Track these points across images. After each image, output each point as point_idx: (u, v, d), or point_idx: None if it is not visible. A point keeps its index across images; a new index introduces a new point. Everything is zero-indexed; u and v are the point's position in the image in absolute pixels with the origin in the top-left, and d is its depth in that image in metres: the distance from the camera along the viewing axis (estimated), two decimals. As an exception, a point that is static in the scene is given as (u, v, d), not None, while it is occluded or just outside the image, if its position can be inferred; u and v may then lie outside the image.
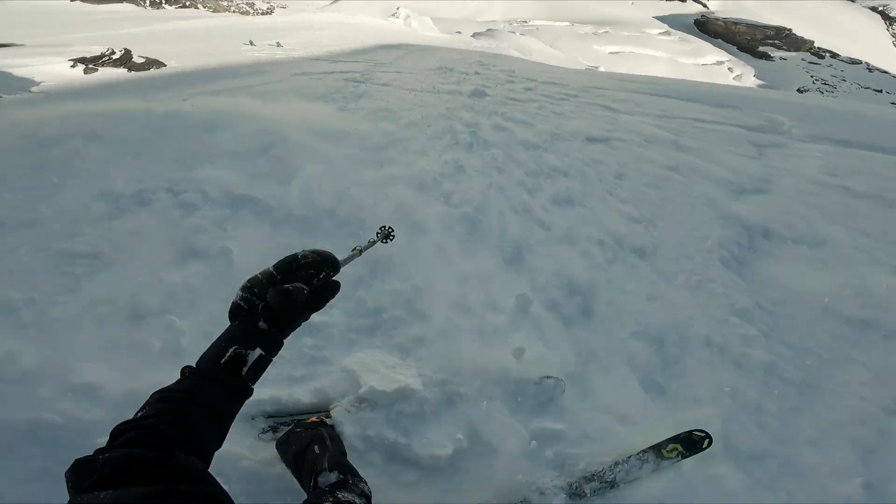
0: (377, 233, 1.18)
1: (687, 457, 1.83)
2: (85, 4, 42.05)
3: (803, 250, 3.18)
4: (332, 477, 1.37)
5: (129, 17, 32.21)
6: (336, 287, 0.86)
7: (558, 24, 51.24)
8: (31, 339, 1.91)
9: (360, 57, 13.53)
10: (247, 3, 57.22)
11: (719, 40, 54.10)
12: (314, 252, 0.83)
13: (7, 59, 11.18)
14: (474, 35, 37.80)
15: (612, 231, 3.25)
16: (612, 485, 1.76)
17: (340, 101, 5.74)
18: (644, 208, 3.62)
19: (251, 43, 19.22)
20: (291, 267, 0.81)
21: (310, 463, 1.47)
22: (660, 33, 53.09)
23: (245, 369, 0.77)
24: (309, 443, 1.57)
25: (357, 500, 1.27)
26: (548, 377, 2.07)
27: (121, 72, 13.12)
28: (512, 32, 41.82)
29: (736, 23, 54.06)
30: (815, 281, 2.84)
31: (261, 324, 0.79)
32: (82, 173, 3.04)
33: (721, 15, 57.30)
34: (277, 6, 56.65)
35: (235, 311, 0.81)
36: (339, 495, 1.26)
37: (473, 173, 3.84)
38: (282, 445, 1.69)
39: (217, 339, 0.80)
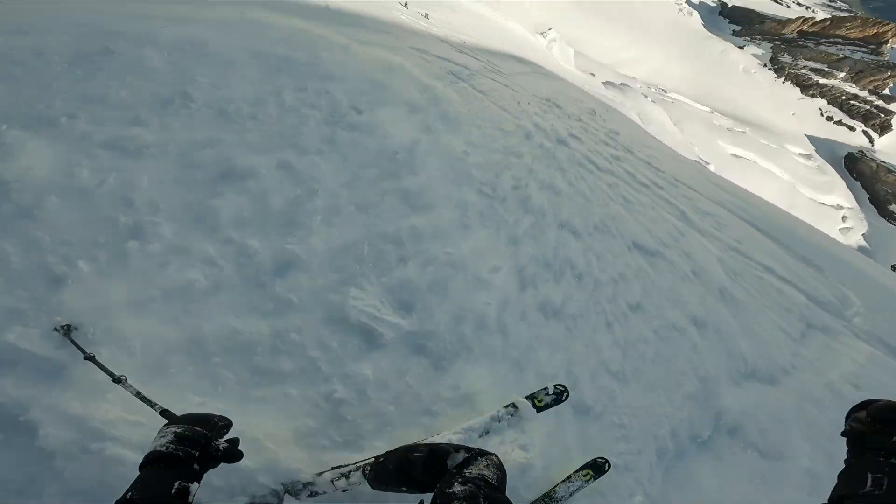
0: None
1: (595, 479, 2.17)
2: None
3: (752, 457, 2.83)
4: (460, 456, 1.35)
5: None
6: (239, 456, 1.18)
7: (698, 105, 49.07)
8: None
9: (483, 56, 13.56)
10: (421, -35, 59.05)
11: (858, 183, 49.78)
12: (217, 420, 1.20)
13: None
14: (605, 83, 37.07)
15: (576, 371, 2.80)
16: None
17: (423, 91, 5.12)
18: (630, 359, 3.08)
19: (405, 5, 19.84)
20: (213, 426, 1.17)
21: (421, 463, 1.44)
22: (799, 154, 49.62)
23: (191, 497, 1.07)
24: (405, 454, 1.55)
25: (488, 472, 1.25)
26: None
27: None
28: (644, 95, 40.64)
29: (891, 170, 49.15)
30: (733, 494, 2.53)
31: (195, 466, 1.10)
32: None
33: (879, 157, 52.36)
34: (446, -21, 58.07)
35: (172, 460, 1.08)
36: (467, 472, 1.24)
37: (477, 227, 3.24)
38: (377, 475, 1.62)
39: (151, 475, 1.06)
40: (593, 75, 36.31)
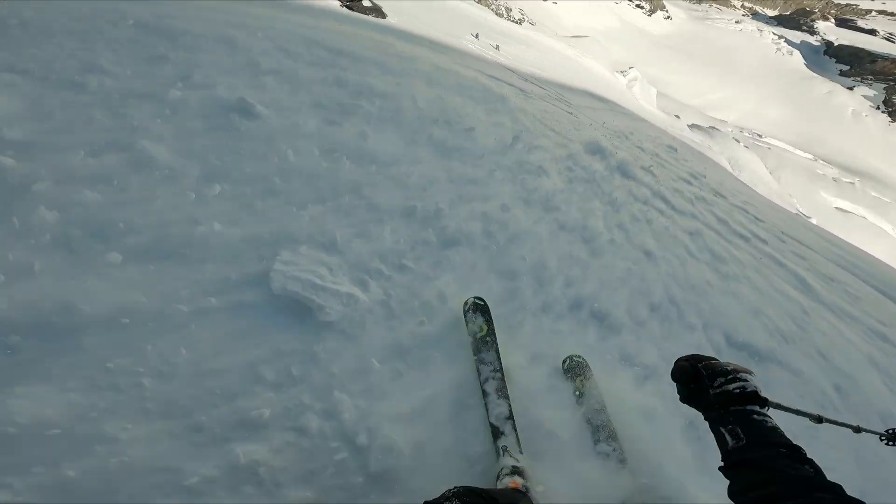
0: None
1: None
2: None
3: None
4: None
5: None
6: None
7: (798, 153, 43.85)
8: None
9: (550, 87, 12.59)
10: (506, 8, 60.52)
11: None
12: None
13: None
14: (691, 126, 34.39)
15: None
16: None
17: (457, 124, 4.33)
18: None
19: (476, 36, 19.65)
20: None
21: None
22: None
23: None
24: None
25: None
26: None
27: (334, 3, 13.58)
28: (736, 140, 37.09)
29: None
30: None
31: None
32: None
33: None
34: (527, 21, 58.85)
35: None
36: None
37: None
38: None
39: None
40: (678, 117, 33.88)
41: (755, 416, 1.03)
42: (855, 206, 36.58)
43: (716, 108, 57.34)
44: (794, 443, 0.97)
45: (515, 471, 1.60)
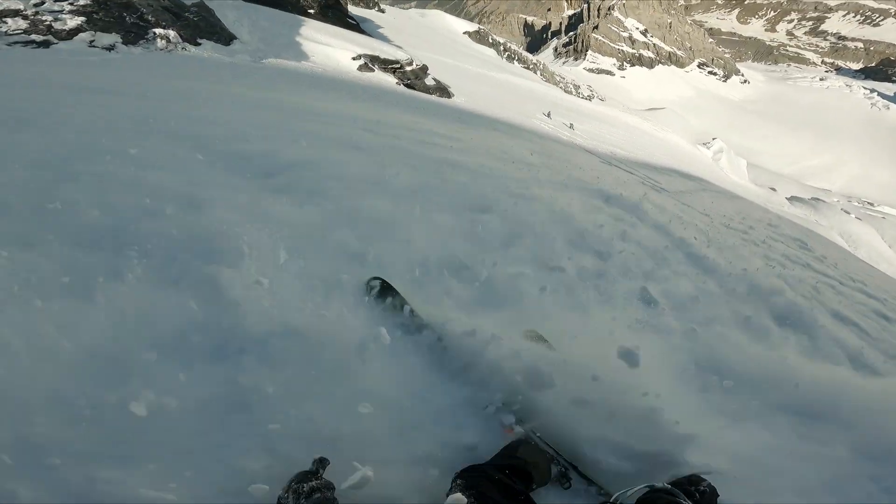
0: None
1: None
2: (467, 38, 53.27)
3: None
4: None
5: (482, 58, 37.98)
6: None
7: (919, 222, 37.57)
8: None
9: (638, 170, 11.39)
10: (574, 85, 61.95)
11: None
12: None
13: (319, 44, 13.76)
14: (791, 199, 30.91)
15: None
16: None
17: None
18: None
19: (548, 115, 19.36)
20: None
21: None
22: None
23: None
24: None
25: None
26: None
27: (390, 80, 13.80)
28: (846, 212, 32.59)
29: None
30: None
31: None
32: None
33: None
34: (597, 97, 59.45)
35: None
36: None
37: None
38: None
39: None
40: (774, 190, 30.68)
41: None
42: None
43: (814, 175, 51.86)
44: None
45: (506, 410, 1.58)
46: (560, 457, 1.48)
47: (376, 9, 41.64)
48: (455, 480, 1.22)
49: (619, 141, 19.01)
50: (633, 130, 25.88)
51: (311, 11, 20.29)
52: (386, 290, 2.05)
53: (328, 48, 13.34)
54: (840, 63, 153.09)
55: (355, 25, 22.55)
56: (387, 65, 14.23)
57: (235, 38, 12.52)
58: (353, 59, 13.36)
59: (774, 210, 18.13)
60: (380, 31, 25.74)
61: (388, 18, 38.03)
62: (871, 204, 41.84)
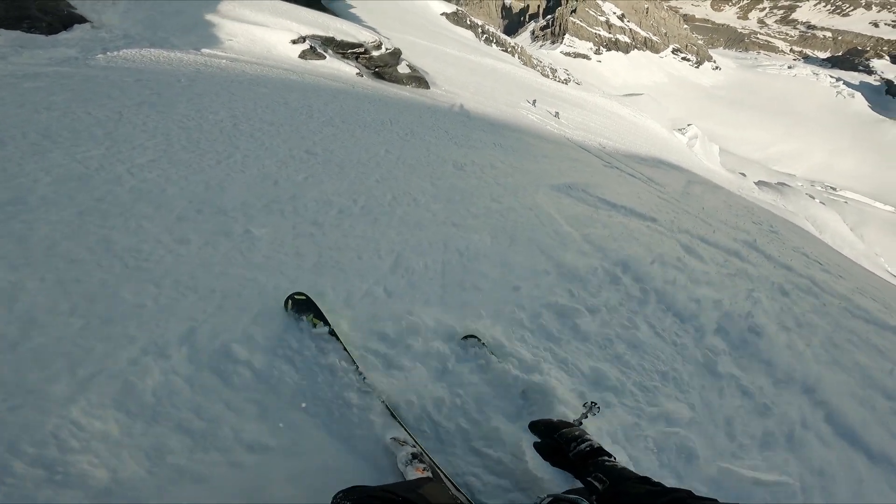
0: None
1: None
2: (444, 20, 51.36)
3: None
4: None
5: (461, 40, 36.83)
6: None
7: (879, 205, 39.00)
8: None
9: (627, 161, 11.20)
10: (550, 69, 61.28)
11: None
12: None
13: (243, 23, 9.06)
14: (759, 183, 31.54)
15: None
16: None
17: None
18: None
19: (533, 103, 18.91)
20: None
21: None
22: None
23: None
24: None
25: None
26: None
27: (349, 70, 9.86)
28: (810, 196, 33.56)
29: None
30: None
31: None
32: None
33: None
34: (573, 81, 59.00)
35: None
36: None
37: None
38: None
39: None
40: (744, 175, 31.25)
41: (607, 463, 1.28)
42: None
43: (781, 160, 53.26)
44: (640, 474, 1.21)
45: (416, 457, 1.49)
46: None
47: None
48: (336, 496, 1.13)
49: (604, 130, 18.81)
50: (613, 117, 25.73)
51: None
52: (307, 305, 1.96)
53: (256, 28, 9.01)
54: (808, 52, 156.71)
55: (318, 3, 19.74)
56: (345, 49, 10.63)
57: (86, 20, 6.73)
58: (294, 42, 9.30)
59: (744, 194, 18.40)
60: (351, 10, 24.43)
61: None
62: (834, 189, 43.33)
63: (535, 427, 1.48)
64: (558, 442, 1.38)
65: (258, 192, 3.20)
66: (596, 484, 1.20)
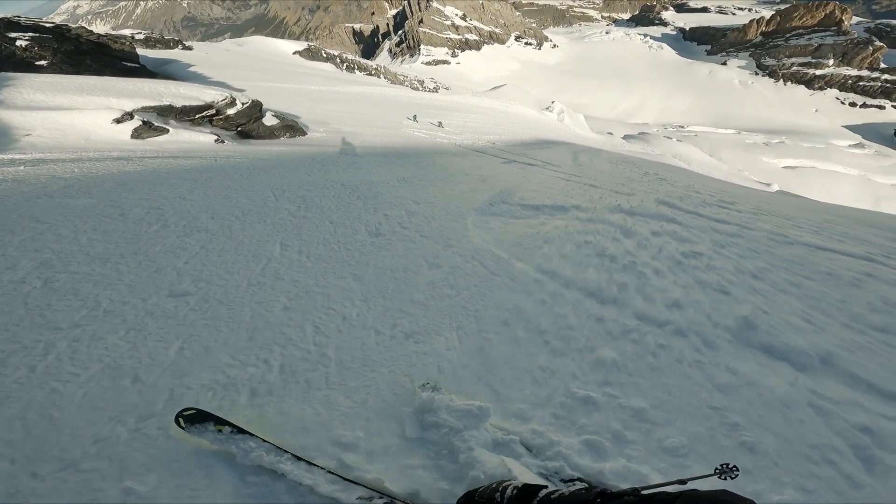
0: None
1: None
2: (299, 58, 49.41)
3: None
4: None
5: (323, 74, 35.65)
6: None
7: (721, 131, 45.71)
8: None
9: (517, 150, 11.35)
10: (418, 81, 62.47)
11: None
12: None
13: (45, 110, 6.90)
14: (626, 137, 34.89)
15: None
16: None
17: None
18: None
19: (414, 118, 18.67)
20: None
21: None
22: (850, 145, 44.21)
23: None
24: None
25: None
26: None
27: (203, 140, 8.13)
28: (668, 138, 37.97)
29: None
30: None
31: None
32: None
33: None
34: (442, 87, 60.76)
35: None
36: None
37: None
38: None
39: None
40: (611, 134, 34.35)
41: (553, 497, 1.16)
42: (798, 161, 37.69)
43: (632, 115, 59.97)
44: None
45: None
46: None
47: (179, 47, 35.72)
48: None
49: (487, 127, 19.16)
50: (489, 112, 26.58)
51: (43, 63, 12.74)
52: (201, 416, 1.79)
53: (58, 114, 6.93)
54: (614, 16, 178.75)
55: (140, 69, 16.66)
56: (191, 115, 8.86)
57: None
58: (118, 120, 7.34)
59: (620, 150, 20.04)
60: (190, 69, 22.17)
61: (198, 55, 33.11)
62: (682, 127, 49.74)
63: None
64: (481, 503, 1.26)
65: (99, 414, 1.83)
66: None
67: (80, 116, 7.08)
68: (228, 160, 6.66)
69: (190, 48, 36.98)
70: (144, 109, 7.99)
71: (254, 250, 3.59)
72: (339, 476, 1.58)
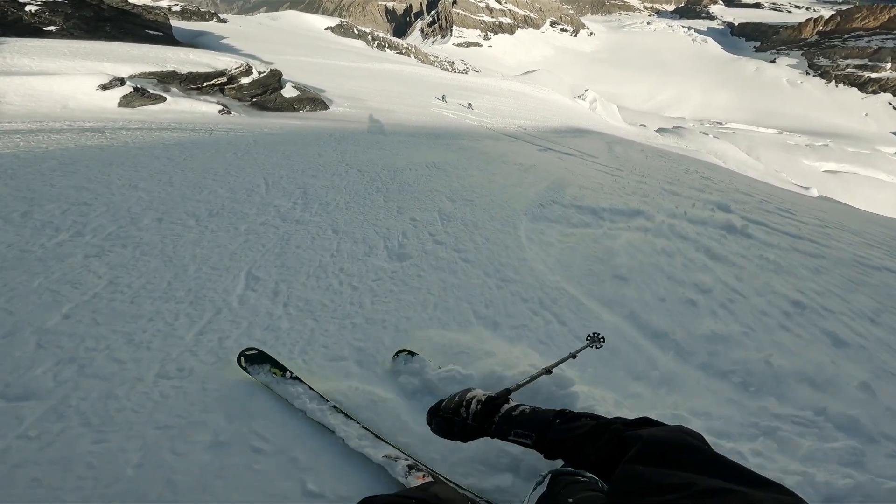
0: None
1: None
2: (330, 34, 48.99)
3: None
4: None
5: (354, 51, 35.17)
6: None
7: (762, 130, 43.33)
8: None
9: (552, 138, 10.75)
10: (448, 62, 61.21)
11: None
12: None
13: (25, 75, 6.32)
14: (659, 130, 33.37)
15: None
16: None
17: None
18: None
19: (443, 98, 18.12)
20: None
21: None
22: None
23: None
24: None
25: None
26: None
27: (209, 110, 7.49)
28: (704, 133, 36.21)
29: None
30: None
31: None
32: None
33: None
34: (472, 70, 59.41)
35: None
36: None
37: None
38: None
39: None
40: (644, 126, 32.93)
41: (514, 413, 1.15)
42: (841, 165, 35.41)
43: (668, 107, 57.51)
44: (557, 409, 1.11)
45: (412, 467, 1.47)
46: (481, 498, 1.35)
47: (214, 19, 36.07)
48: None
49: (518, 111, 18.48)
50: (520, 97, 25.72)
51: (51, 29, 12.09)
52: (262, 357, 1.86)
53: (36, 79, 6.22)
54: (657, 6, 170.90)
55: (163, 38, 15.80)
56: (199, 83, 8.10)
57: None
58: (105, 87, 6.59)
59: (654, 143, 19.07)
60: (223, 41, 22.02)
61: (232, 27, 33.04)
62: (720, 123, 47.40)
63: (428, 419, 1.27)
64: (446, 417, 1.21)
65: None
66: (523, 441, 1.09)
67: (60, 82, 6.36)
68: (227, 134, 5.76)
69: (225, 21, 37.20)
70: (143, 76, 7.47)
71: (195, 290, 2.20)
72: (371, 432, 1.61)
